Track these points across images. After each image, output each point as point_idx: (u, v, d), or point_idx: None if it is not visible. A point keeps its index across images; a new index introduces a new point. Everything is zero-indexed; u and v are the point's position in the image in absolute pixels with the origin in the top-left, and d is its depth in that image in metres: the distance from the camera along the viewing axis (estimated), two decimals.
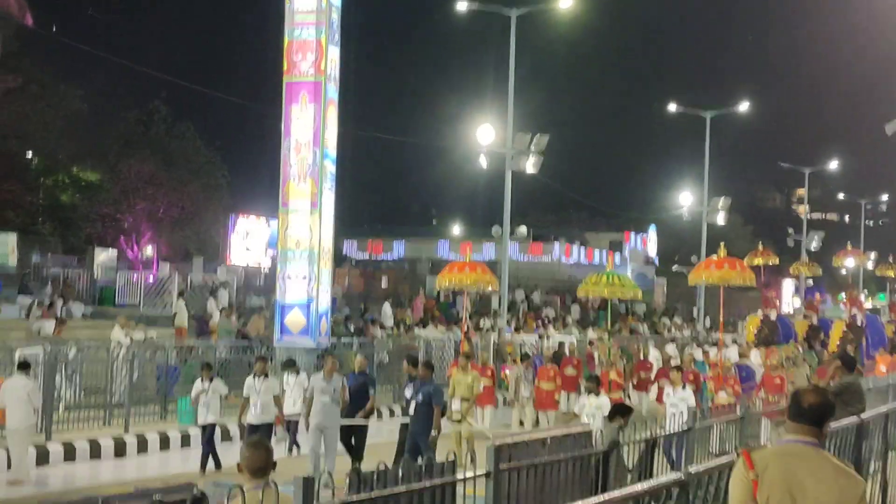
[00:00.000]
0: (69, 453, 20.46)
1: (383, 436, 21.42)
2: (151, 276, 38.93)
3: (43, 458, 19.85)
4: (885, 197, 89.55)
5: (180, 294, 36.09)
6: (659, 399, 24.11)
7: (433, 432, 17.56)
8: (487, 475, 9.06)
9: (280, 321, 27.55)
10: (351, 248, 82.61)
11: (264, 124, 53.53)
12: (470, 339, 33.21)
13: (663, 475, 10.15)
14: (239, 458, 7.06)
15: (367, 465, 9.47)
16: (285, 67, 27.48)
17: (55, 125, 49.33)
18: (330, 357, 19.56)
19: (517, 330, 38.05)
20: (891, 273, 51.88)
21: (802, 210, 74.98)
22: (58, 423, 21.68)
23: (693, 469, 8.42)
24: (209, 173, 56.96)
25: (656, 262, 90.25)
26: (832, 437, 10.74)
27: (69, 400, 23.87)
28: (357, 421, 19.13)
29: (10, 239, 39.24)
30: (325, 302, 27.70)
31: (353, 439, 19.24)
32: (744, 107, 57.06)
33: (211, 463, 19.62)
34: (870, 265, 58.20)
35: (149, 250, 54.18)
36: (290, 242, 27.41)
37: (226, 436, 22.63)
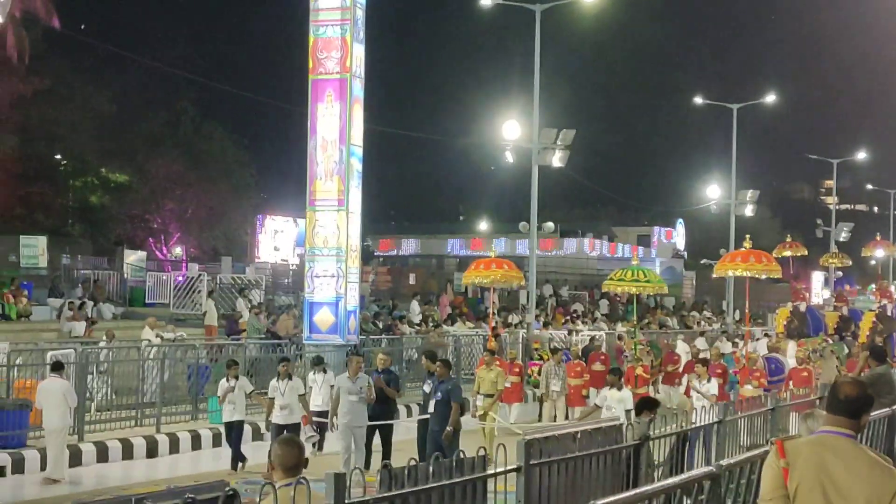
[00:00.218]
0: (101, 453, 20.58)
1: (403, 433, 21.27)
2: (181, 276, 39.04)
3: (75, 458, 19.97)
4: None
5: (210, 293, 36.21)
6: (687, 392, 24.08)
7: (448, 429, 17.53)
8: (518, 470, 9.06)
9: (309, 319, 27.60)
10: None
11: (291, 123, 53.57)
12: (498, 335, 33.21)
13: (694, 469, 10.15)
14: (271, 456, 7.11)
15: (393, 462, 9.51)
16: (311, 66, 27.50)
17: (83, 127, 49.55)
18: (354, 357, 19.59)
19: (546, 325, 38.01)
20: None
21: (831, 201, 74.78)
22: (90, 423, 21.80)
23: (724, 462, 8.41)
24: (237, 173, 57.13)
25: (685, 255, 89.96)
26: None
27: (101, 400, 24.00)
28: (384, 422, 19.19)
29: (41, 241, 39.42)
30: (353, 300, 27.73)
31: (380, 437, 19.23)
32: (771, 98, 56.86)
33: (225, 462, 19.69)
34: None
35: (178, 250, 54.39)
36: (317, 241, 27.45)
37: (256, 435, 22.70)
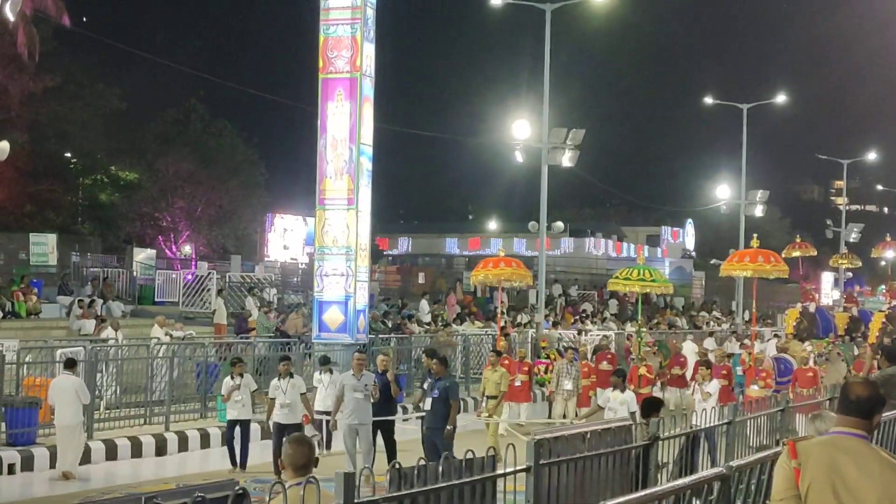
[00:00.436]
0: (110, 451, 20.59)
1: (405, 433, 21.09)
2: (190, 275, 39.10)
3: (85, 456, 19.96)
4: None
5: (219, 292, 36.25)
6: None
7: (448, 427, 17.47)
8: (527, 470, 9.05)
9: (318, 318, 27.60)
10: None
11: (301, 121, 53.64)
12: (508, 335, 33.20)
13: (700, 470, 10.13)
14: (282, 455, 7.11)
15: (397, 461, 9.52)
16: (321, 64, 27.50)
17: (93, 124, 49.63)
18: (358, 354, 19.44)
19: (555, 325, 38.00)
20: None
21: (841, 202, 74.60)
22: (99, 421, 21.82)
23: (735, 463, 8.40)
24: (247, 171, 57.21)
25: (694, 255, 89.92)
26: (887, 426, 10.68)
27: (110, 398, 24.02)
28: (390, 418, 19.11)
29: (50, 239, 39.48)
30: (362, 299, 27.72)
31: (382, 437, 19.13)
32: (781, 98, 56.81)
33: (237, 459, 19.64)
34: None
35: (187, 249, 54.45)
36: (327, 239, 27.44)
37: (266, 434, 22.66)
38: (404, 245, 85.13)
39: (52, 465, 19.33)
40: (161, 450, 21.63)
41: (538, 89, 38.39)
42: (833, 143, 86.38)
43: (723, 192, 57.62)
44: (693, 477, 8.48)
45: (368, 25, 27.48)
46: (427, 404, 17.95)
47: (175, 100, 58.29)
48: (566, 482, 9.71)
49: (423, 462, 7.89)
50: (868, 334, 36.61)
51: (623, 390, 18.55)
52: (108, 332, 28.28)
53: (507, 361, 24.81)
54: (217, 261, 48.69)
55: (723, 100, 56.95)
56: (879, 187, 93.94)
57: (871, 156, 71.77)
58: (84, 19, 48.87)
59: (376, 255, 59.16)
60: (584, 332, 37.32)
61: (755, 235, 27.94)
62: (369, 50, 27.55)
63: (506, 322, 37.42)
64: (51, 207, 49.72)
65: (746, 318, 50.13)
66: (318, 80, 27.67)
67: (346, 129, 27.16)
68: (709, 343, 35.36)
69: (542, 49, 37.15)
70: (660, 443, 11.36)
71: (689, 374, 28.30)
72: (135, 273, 40.85)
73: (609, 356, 29.52)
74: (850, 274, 62.20)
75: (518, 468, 8.87)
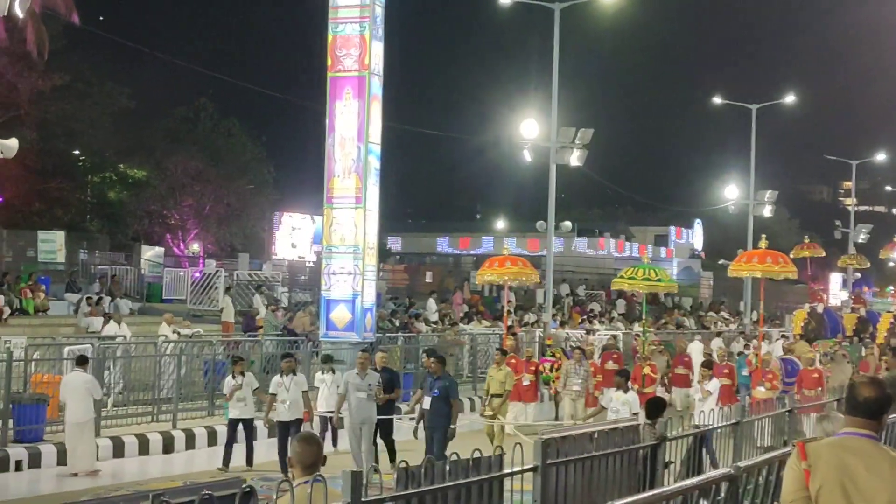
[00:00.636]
0: (118, 449, 20.61)
1: (404, 434, 20.88)
2: (198, 273, 39.12)
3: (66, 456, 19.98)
4: None
5: (227, 290, 36.28)
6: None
7: (452, 426, 17.40)
8: (534, 470, 9.05)
9: (325, 317, 27.61)
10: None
11: (309, 120, 53.67)
12: (516, 334, 33.16)
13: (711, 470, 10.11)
14: (290, 453, 7.11)
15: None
16: (329, 63, 27.51)
17: (102, 122, 49.65)
18: (362, 352, 19.37)
19: (562, 325, 37.95)
20: None
21: (850, 202, 74.43)
22: (106, 418, 21.84)
23: (742, 464, 8.39)
24: (255, 169, 57.23)
25: (702, 255, 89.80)
26: (890, 429, 10.66)
27: (117, 396, 24.05)
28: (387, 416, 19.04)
29: (59, 236, 39.56)
30: (370, 297, 27.73)
31: (381, 436, 19.04)
32: (790, 99, 56.73)
33: (240, 459, 19.60)
34: None
35: (195, 247, 54.50)
36: (334, 238, 27.45)
37: (272, 432, 22.62)
38: (395, 244, 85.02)
39: (60, 463, 19.36)
40: (168, 447, 21.65)
41: (547, 88, 38.39)
42: (842, 144, 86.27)
43: (731, 192, 57.53)
44: (701, 477, 8.48)
45: (377, 24, 27.47)
46: (426, 403, 17.83)
47: (184, 98, 58.37)
48: (573, 482, 9.71)
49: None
50: (876, 335, 36.60)
51: (626, 390, 18.50)
52: (112, 327, 28.27)
53: (513, 361, 24.76)
54: (225, 259, 48.72)
55: (732, 100, 56.89)
56: (888, 188, 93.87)
57: (880, 157, 71.65)
58: (93, 17, 48.93)
59: (384, 253, 59.12)
60: (591, 332, 37.26)
61: (764, 236, 27.85)
62: (378, 48, 27.55)
63: (513, 321, 37.40)
64: (59, 205, 49.77)
65: (754, 318, 50.10)
66: (326, 79, 27.68)
67: (354, 127, 27.17)
68: (716, 343, 35.32)
69: (550, 48, 37.12)
70: (667, 443, 11.36)
71: (695, 374, 28.29)
72: (143, 271, 40.88)
73: (615, 356, 29.46)
74: (858, 275, 62.11)
75: (525, 468, 8.87)
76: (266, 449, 20.44)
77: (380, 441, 19.16)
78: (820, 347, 32.15)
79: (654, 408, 13.55)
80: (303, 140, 67.58)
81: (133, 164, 55.36)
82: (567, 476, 9.61)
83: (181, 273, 39.71)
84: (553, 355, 29.27)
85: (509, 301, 35.51)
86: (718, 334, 40.25)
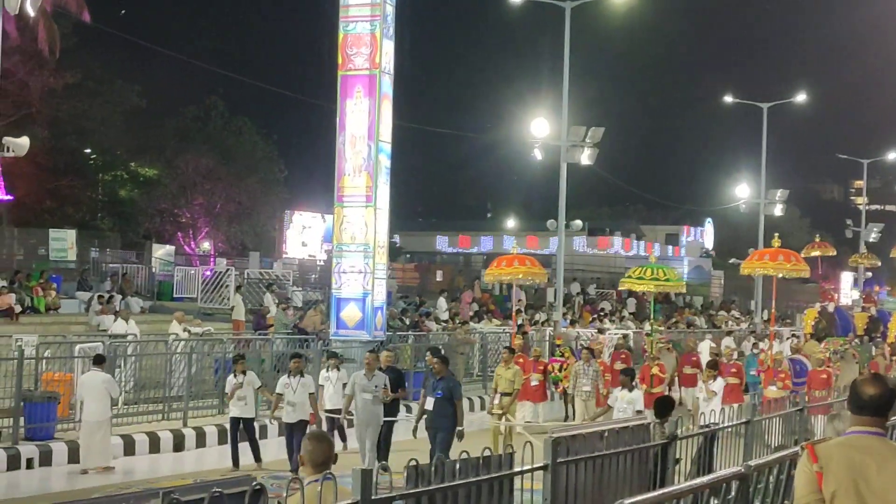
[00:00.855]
0: (128, 447, 20.63)
1: (403, 433, 20.68)
2: (208, 271, 39.16)
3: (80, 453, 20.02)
4: None
5: (238, 288, 36.31)
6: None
7: (459, 428, 17.22)
8: (545, 468, 9.04)
9: (336, 315, 27.63)
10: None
11: (320, 119, 53.69)
12: (526, 333, 33.11)
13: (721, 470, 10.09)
14: (301, 451, 7.11)
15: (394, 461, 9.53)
16: (340, 62, 27.53)
17: (113, 121, 49.73)
18: (369, 353, 19.25)
19: (573, 324, 37.91)
20: None
21: (861, 201, 74.21)
22: (117, 416, 21.86)
23: (753, 462, 8.38)
24: (266, 168, 57.28)
25: (713, 254, 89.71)
26: (890, 431, 10.62)
27: (128, 394, 24.07)
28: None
29: (70, 234, 39.61)
30: (380, 296, 27.73)
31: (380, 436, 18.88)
32: (801, 97, 56.61)
33: (248, 458, 19.58)
34: None
35: (206, 245, 54.56)
36: (345, 237, 27.47)
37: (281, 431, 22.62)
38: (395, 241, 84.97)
39: (71, 461, 19.40)
40: (179, 445, 21.67)
41: (557, 87, 38.36)
42: (853, 143, 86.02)
43: (742, 191, 57.48)
44: (712, 476, 8.47)
45: (388, 22, 27.49)
46: (429, 403, 17.64)
47: (195, 97, 58.45)
48: (584, 480, 9.70)
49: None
50: (888, 334, 36.50)
51: (631, 389, 18.39)
52: (120, 325, 28.31)
53: (521, 360, 24.70)
54: (235, 257, 48.76)
55: (743, 99, 56.82)
56: None
57: (892, 155, 71.41)
58: (104, 16, 48.96)
59: (394, 252, 59.15)
60: (602, 331, 37.21)
61: (776, 234, 27.77)
62: (388, 47, 27.56)
63: (523, 320, 37.35)
64: (70, 203, 49.88)
65: (765, 317, 50.03)
66: (337, 78, 27.69)
67: (364, 126, 27.19)
68: (727, 342, 35.25)
69: (561, 47, 37.10)
70: (678, 442, 11.35)
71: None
72: (153, 269, 40.92)
73: (623, 355, 29.39)
74: (869, 274, 61.93)
75: (535, 466, 8.87)
76: (277, 447, 20.45)
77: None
78: (830, 346, 32.07)
79: (663, 407, 13.53)
80: (313, 138, 67.75)
81: (144, 162, 55.45)
82: (577, 474, 9.61)
83: (192, 271, 39.74)
84: (562, 355, 29.19)
85: (519, 300, 35.52)
86: (729, 333, 40.18)
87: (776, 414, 14.50)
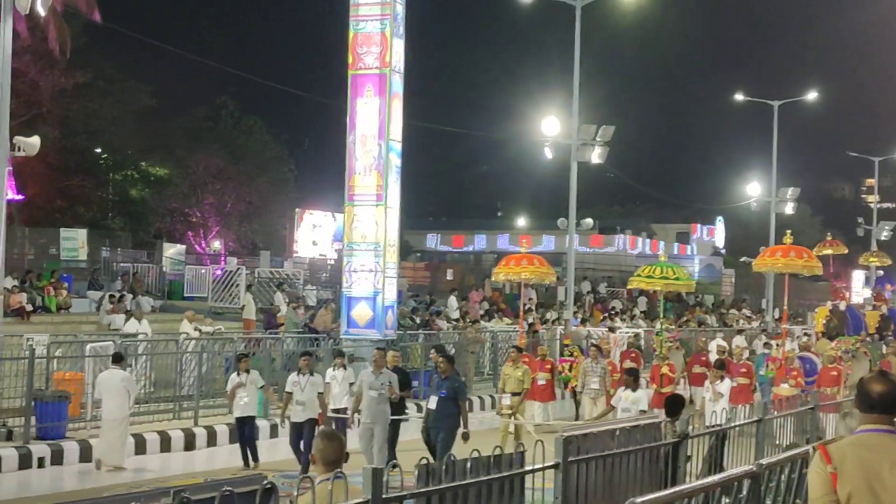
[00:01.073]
0: (139, 446, 20.65)
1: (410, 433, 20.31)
2: (219, 270, 39.20)
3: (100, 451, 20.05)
4: None
5: (248, 287, 36.34)
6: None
7: (464, 430, 17.08)
8: (556, 467, 9.02)
9: (346, 314, 27.63)
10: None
11: (330, 118, 53.73)
12: (536, 332, 33.08)
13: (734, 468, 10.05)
14: (313, 449, 7.10)
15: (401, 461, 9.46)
16: (350, 61, 27.52)
17: (124, 120, 49.80)
18: (378, 351, 19.10)
19: (583, 322, 37.88)
20: None
21: (872, 199, 74.02)
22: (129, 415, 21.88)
23: (765, 461, 8.35)
24: (276, 167, 57.35)
25: (724, 253, 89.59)
26: None
27: (139, 393, 24.08)
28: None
29: (81, 234, 39.68)
30: (391, 295, 27.72)
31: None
32: (812, 95, 56.51)
33: (260, 456, 19.56)
34: None
35: (216, 244, 54.63)
36: (355, 236, 27.47)
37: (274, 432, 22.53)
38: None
39: (83, 460, 19.44)
40: (190, 444, 21.69)
41: (568, 85, 38.34)
42: (864, 141, 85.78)
43: (753, 189, 57.40)
44: (723, 475, 8.44)
45: (398, 21, 27.48)
46: (432, 403, 17.52)
47: (205, 96, 58.54)
48: (595, 479, 9.68)
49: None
50: None
51: (635, 389, 18.21)
52: (132, 324, 28.36)
53: (527, 359, 24.67)
54: (246, 256, 48.80)
55: (753, 97, 56.75)
56: None
57: None
58: (115, 15, 49.03)
59: (405, 251, 59.16)
60: (613, 330, 37.17)
61: (788, 231, 27.66)
62: (398, 46, 27.55)
63: (534, 319, 37.32)
64: (81, 203, 49.95)
65: (776, 315, 49.95)
66: (347, 77, 27.69)
67: (375, 125, 27.18)
68: (738, 341, 35.18)
69: (571, 45, 37.09)
70: (689, 440, 11.32)
71: None
72: (164, 268, 40.99)
73: (633, 354, 29.32)
74: (880, 272, 61.77)
75: (547, 465, 8.85)
76: (287, 446, 20.40)
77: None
78: (842, 345, 31.96)
79: (674, 405, 13.50)
80: (324, 138, 67.81)
81: (155, 161, 55.51)
82: (589, 473, 9.59)
83: (203, 270, 39.79)
84: (571, 354, 29.16)
85: (530, 299, 35.47)
86: (740, 332, 40.10)
87: (788, 412, 14.45)
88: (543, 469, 8.84)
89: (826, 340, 33.10)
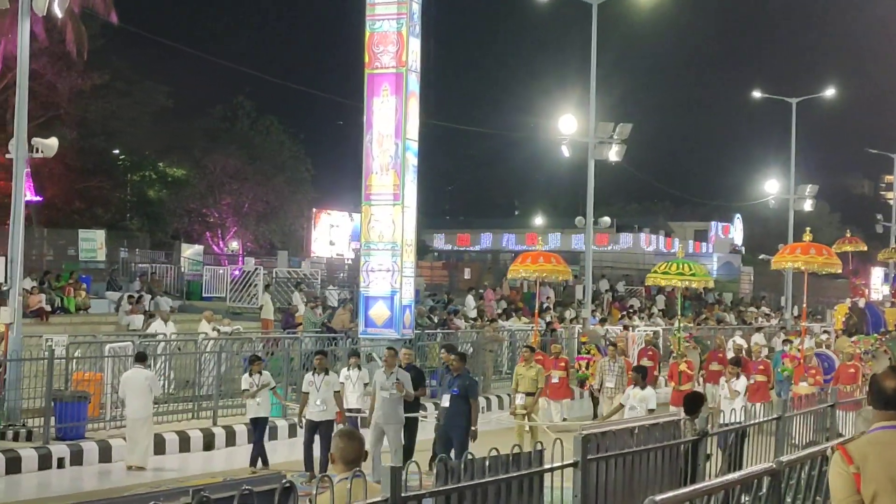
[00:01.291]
0: (159, 446, 20.66)
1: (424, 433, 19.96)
2: (237, 270, 39.28)
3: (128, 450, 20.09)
4: None
5: (266, 287, 36.39)
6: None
7: (473, 428, 16.96)
8: (575, 465, 9.00)
9: (364, 313, 27.62)
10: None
11: (347, 117, 53.77)
12: (555, 330, 33.01)
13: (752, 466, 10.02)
14: (332, 448, 7.08)
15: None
16: (367, 60, 27.51)
17: (141, 121, 49.97)
18: (389, 350, 18.93)
19: (602, 322, 37.81)
20: None
21: (891, 196, 73.73)
22: None
23: (784, 458, 8.31)
24: (293, 167, 57.44)
25: (742, 250, 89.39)
26: None
27: (158, 393, 24.12)
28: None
29: (99, 235, 39.83)
30: (408, 294, 27.70)
31: (404, 435, 18.46)
32: (830, 92, 56.30)
33: (276, 457, 19.48)
34: None
35: (234, 244, 54.74)
36: (373, 235, 27.45)
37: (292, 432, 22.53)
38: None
39: (102, 460, 19.50)
40: (209, 444, 21.72)
41: (585, 83, 38.28)
42: (883, 137, 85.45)
43: (771, 186, 57.23)
44: (742, 472, 8.41)
45: (414, 20, 27.45)
46: (445, 401, 17.37)
47: (222, 97, 58.67)
48: (614, 477, 9.65)
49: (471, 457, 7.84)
50: None
51: (643, 387, 17.99)
52: (158, 325, 28.43)
53: (540, 358, 24.61)
54: (264, 256, 48.90)
55: (771, 94, 56.60)
56: None
57: None
58: (132, 17, 49.18)
59: (422, 250, 59.17)
60: (632, 328, 37.10)
61: (808, 229, 27.55)
62: (415, 45, 27.53)
63: (552, 318, 37.28)
64: (99, 204, 50.13)
65: (796, 313, 49.79)
66: (363, 76, 27.69)
67: (391, 124, 27.16)
68: (756, 339, 35.08)
69: (588, 43, 37.03)
70: (708, 438, 11.29)
71: None
72: (182, 269, 41.10)
73: (650, 353, 29.23)
74: None
75: (566, 463, 8.82)
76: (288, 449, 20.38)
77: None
78: (862, 344, 31.83)
79: (693, 403, 13.45)
80: (340, 137, 67.85)
81: (172, 162, 55.70)
82: (608, 471, 9.56)
83: (220, 271, 39.89)
84: (588, 352, 29.11)
85: (548, 297, 35.39)
86: (758, 329, 39.99)
87: (808, 409, 14.39)
88: (563, 467, 8.81)
89: (846, 338, 32.97)
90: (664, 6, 45.05)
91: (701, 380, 27.71)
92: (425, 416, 20.15)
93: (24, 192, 22.72)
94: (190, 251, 44.17)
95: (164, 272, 39.70)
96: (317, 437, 17.89)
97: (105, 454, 19.68)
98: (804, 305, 28.17)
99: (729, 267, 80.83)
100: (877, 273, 70.04)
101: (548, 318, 37.33)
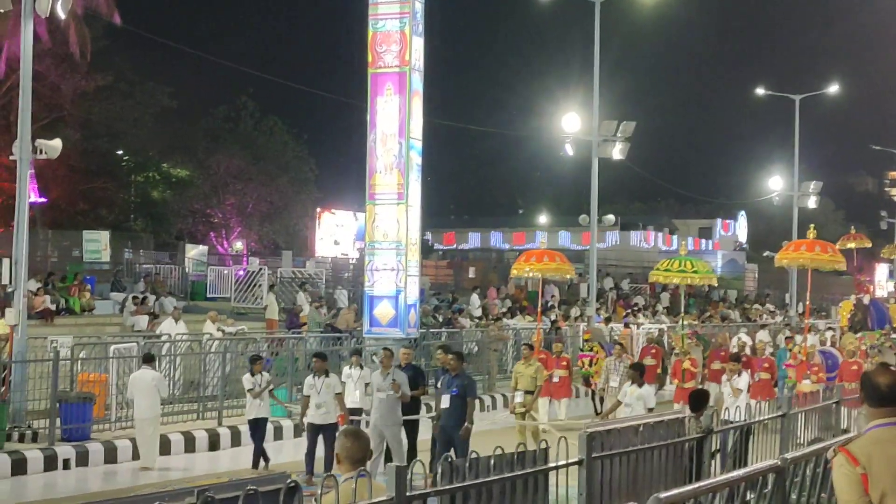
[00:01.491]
0: (164, 446, 20.66)
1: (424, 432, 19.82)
2: (241, 270, 39.27)
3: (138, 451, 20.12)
4: None
5: (270, 287, 36.40)
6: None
7: (467, 425, 16.87)
8: (580, 463, 9.00)
9: (369, 313, 27.62)
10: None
11: (351, 117, 53.82)
12: (559, 329, 32.98)
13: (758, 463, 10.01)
14: (337, 448, 7.08)
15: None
16: (370, 59, 27.50)
17: (145, 122, 49.97)
18: (385, 350, 18.73)
19: (607, 321, 37.79)
20: None
21: (895, 192, 73.60)
22: None
23: (789, 455, 8.31)
24: (297, 167, 57.42)
25: (747, 248, 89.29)
26: None
27: (165, 394, 24.13)
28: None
29: (104, 236, 39.83)
30: (413, 293, 27.68)
31: (407, 436, 18.32)
32: (834, 88, 56.25)
33: (280, 457, 19.47)
34: None
35: (238, 245, 54.76)
36: (377, 234, 27.44)
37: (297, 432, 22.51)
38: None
39: (107, 461, 19.52)
40: (214, 444, 21.73)
41: (588, 82, 38.28)
42: (887, 134, 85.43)
43: (775, 183, 57.17)
44: (747, 469, 8.41)
45: (417, 19, 27.44)
46: (444, 402, 17.24)
47: (225, 97, 58.66)
48: (619, 475, 9.65)
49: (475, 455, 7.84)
50: None
51: (641, 385, 17.90)
52: (169, 324, 28.44)
53: (543, 356, 24.51)
54: (268, 257, 48.88)
55: (775, 90, 56.56)
56: None
57: None
58: (135, 18, 49.20)
59: (426, 249, 59.16)
60: (637, 325, 37.09)
61: (812, 226, 27.51)
62: (418, 44, 27.51)
63: (556, 316, 37.25)
64: (103, 205, 50.16)
65: (800, 310, 49.75)
66: (367, 75, 27.68)
67: (395, 123, 27.15)
68: (761, 336, 35.06)
69: (591, 42, 37.02)
70: (713, 435, 11.28)
71: None
72: (187, 269, 41.09)
73: (653, 350, 29.20)
74: None
75: (570, 461, 8.82)
76: (293, 450, 20.36)
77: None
78: (867, 340, 31.82)
79: (698, 400, 13.45)
80: (344, 137, 67.83)
81: (176, 163, 55.69)
82: (612, 469, 9.56)
83: (225, 271, 39.87)
84: (591, 350, 29.09)
85: (553, 296, 35.37)
86: (763, 326, 39.98)
87: (813, 406, 14.38)
88: (567, 466, 8.82)
89: (851, 334, 32.97)
90: (667, 4, 45.03)
91: (702, 378, 27.72)
92: (430, 417, 20.10)
93: (29, 194, 22.77)
94: (194, 252, 44.16)
95: (168, 273, 39.71)
96: (320, 440, 17.83)
97: (110, 455, 19.70)
98: (808, 302, 28.08)
99: (733, 264, 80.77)
100: (881, 269, 70.01)
101: (552, 317, 37.33)
